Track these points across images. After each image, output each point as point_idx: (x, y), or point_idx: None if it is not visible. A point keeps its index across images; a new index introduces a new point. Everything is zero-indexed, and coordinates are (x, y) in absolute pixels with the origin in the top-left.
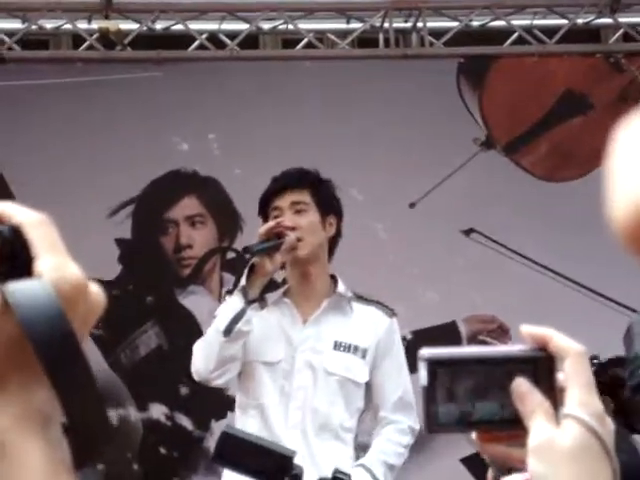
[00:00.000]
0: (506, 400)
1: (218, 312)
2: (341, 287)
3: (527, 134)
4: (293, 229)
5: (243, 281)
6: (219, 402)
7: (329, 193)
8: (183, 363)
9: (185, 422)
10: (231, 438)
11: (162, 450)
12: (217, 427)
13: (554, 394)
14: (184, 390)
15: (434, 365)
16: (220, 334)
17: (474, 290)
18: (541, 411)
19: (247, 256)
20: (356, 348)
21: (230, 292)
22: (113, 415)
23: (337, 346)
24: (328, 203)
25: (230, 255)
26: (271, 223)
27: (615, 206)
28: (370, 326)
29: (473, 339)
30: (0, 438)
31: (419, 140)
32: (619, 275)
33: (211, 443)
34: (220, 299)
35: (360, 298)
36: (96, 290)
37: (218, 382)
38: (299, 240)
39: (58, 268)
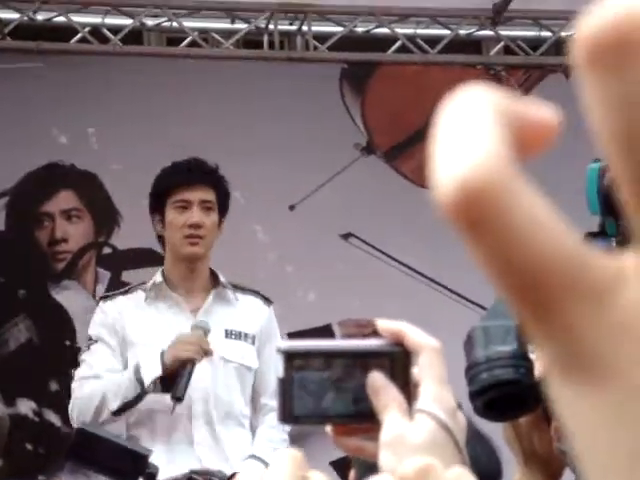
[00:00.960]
0: (361, 394)
1: (108, 381)
2: (222, 278)
3: (407, 141)
4: (199, 227)
5: (156, 373)
6: None
7: (228, 194)
8: (54, 358)
9: (53, 418)
10: (86, 435)
11: (28, 446)
12: None
13: (408, 389)
14: (54, 386)
15: (290, 357)
16: (108, 410)
17: (351, 294)
18: (395, 405)
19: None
20: (246, 335)
21: (105, 298)
22: None
23: (228, 334)
24: (226, 204)
25: (106, 250)
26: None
27: (439, 183)
28: (253, 313)
29: None
30: None
31: (301, 143)
32: (487, 282)
33: None
34: (94, 295)
35: (238, 288)
36: None
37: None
38: (201, 238)
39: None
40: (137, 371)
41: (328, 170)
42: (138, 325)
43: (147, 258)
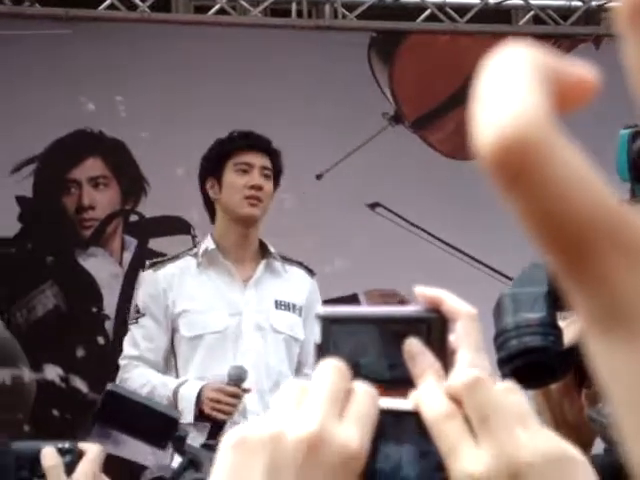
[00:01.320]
0: (397, 360)
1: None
2: (272, 249)
3: (435, 111)
4: (260, 189)
5: (189, 417)
6: (115, 365)
7: (281, 169)
8: (80, 325)
9: (80, 384)
10: (115, 397)
11: (55, 412)
12: None
13: (445, 356)
14: (80, 352)
15: (328, 322)
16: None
17: (377, 263)
18: (431, 371)
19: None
20: (294, 306)
21: (153, 265)
22: (6, 374)
23: (278, 305)
24: (279, 178)
25: (133, 218)
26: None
27: (477, 135)
28: (300, 285)
29: None
30: None
31: (328, 112)
32: (519, 254)
33: None
34: (121, 262)
35: (285, 259)
36: None
37: None
38: (261, 201)
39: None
40: (175, 396)
41: (356, 139)
42: (189, 293)
43: (174, 226)
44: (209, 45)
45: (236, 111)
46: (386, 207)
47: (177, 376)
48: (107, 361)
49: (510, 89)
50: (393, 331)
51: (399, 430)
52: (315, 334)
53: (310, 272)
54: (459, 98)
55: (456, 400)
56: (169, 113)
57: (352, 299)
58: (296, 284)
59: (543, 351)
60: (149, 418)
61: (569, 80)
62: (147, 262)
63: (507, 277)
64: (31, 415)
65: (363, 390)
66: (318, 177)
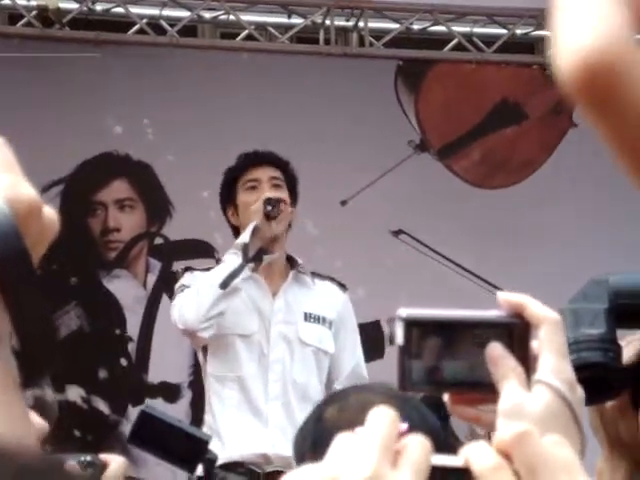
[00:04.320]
0: (479, 363)
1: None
2: (300, 261)
3: (461, 140)
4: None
5: (245, 239)
6: (137, 387)
7: (296, 178)
8: (103, 346)
9: (102, 406)
10: (149, 418)
11: (77, 433)
12: (133, 412)
13: (527, 360)
14: (102, 374)
15: (410, 325)
16: (216, 287)
17: (400, 291)
18: (513, 375)
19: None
20: (324, 319)
21: (188, 270)
22: (28, 395)
23: (307, 317)
24: (295, 186)
25: (158, 241)
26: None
27: (561, 56)
28: (330, 299)
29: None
30: None
31: (353, 139)
32: (541, 284)
33: (127, 428)
34: (145, 284)
35: (314, 273)
36: (50, 212)
37: (204, 334)
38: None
39: (13, 186)
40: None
41: (381, 166)
42: None
43: (198, 249)
44: (236, 71)
45: (262, 137)
46: (410, 234)
47: (205, 367)
48: (129, 383)
49: (590, 8)
50: (475, 335)
51: None
52: (397, 336)
53: (342, 287)
54: (485, 127)
55: (505, 454)
56: (195, 137)
57: (374, 326)
58: (327, 298)
59: (602, 367)
60: (181, 440)
61: None
62: (179, 269)
63: None
64: (53, 435)
65: (418, 441)
66: (342, 203)
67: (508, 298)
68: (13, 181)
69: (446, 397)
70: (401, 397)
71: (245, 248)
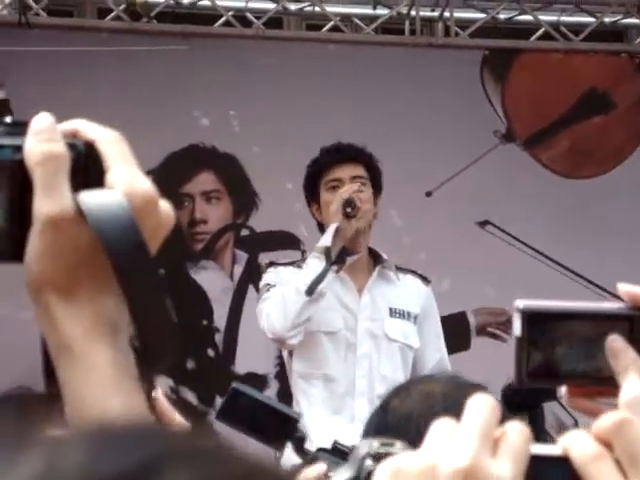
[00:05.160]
0: (598, 356)
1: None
2: (385, 257)
3: (548, 130)
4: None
5: (327, 242)
6: (224, 378)
7: (379, 171)
8: (191, 337)
9: (189, 396)
10: (239, 394)
11: None
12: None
13: None
14: (190, 364)
15: (528, 316)
16: (302, 294)
17: (485, 282)
18: (635, 368)
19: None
20: (409, 314)
21: (272, 264)
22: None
23: (393, 313)
24: (379, 180)
25: (244, 232)
26: (353, 187)
27: None
28: (414, 293)
29: (482, 331)
30: (68, 343)
31: (439, 129)
32: (632, 275)
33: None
34: (232, 275)
35: (397, 267)
36: (166, 206)
37: (292, 342)
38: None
39: (130, 180)
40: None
41: (467, 157)
42: None
43: (284, 240)
44: (322, 62)
45: (347, 128)
46: (496, 225)
47: (290, 364)
48: (216, 373)
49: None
50: (595, 327)
51: (549, 476)
52: (515, 328)
53: (425, 280)
54: (572, 117)
55: (605, 443)
56: (280, 128)
57: (460, 317)
58: (411, 292)
59: None
60: (270, 417)
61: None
62: (264, 263)
63: (617, 297)
64: None
65: (517, 429)
66: (428, 194)
67: (629, 290)
68: (131, 175)
69: (563, 389)
70: (464, 386)
71: (328, 252)
